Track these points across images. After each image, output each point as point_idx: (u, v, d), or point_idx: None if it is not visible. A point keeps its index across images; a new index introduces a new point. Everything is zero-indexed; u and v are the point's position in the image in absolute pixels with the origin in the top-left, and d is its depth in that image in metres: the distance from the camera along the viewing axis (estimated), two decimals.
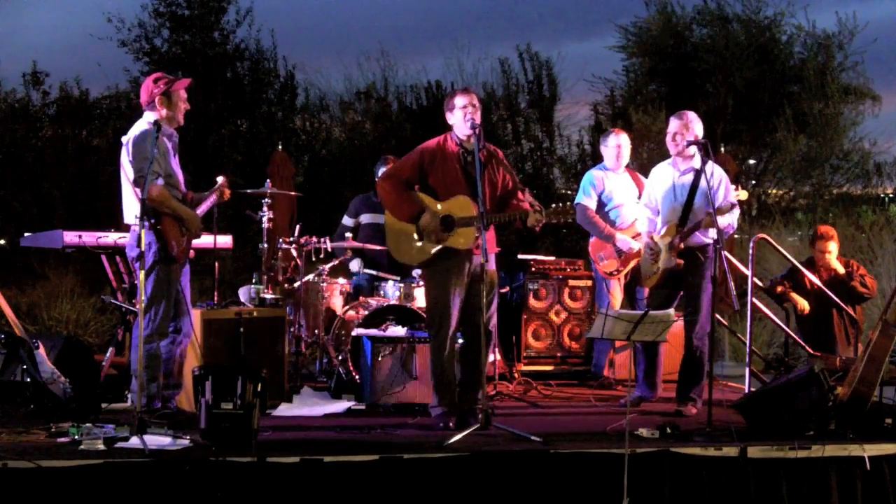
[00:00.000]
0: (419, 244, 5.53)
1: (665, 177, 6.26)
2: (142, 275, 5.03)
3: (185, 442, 4.76)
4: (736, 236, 10.32)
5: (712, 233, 6.04)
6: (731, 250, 8.48)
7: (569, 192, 12.75)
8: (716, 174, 6.07)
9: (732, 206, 5.95)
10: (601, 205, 7.07)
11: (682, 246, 6.05)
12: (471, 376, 5.53)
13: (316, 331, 7.11)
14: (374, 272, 7.39)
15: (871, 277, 7.37)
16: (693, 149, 6.11)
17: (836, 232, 7.42)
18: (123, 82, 13.64)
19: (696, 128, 6.11)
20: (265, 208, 6.84)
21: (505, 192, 5.62)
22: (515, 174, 5.78)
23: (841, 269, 7.19)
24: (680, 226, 6.06)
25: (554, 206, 5.52)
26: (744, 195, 6.45)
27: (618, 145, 7.14)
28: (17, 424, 5.14)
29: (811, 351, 6.95)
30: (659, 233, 6.19)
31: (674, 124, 6.15)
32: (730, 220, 6.03)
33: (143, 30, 13.88)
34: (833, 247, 7.25)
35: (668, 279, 6.12)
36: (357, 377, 6.53)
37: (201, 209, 5.74)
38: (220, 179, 5.97)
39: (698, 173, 6.04)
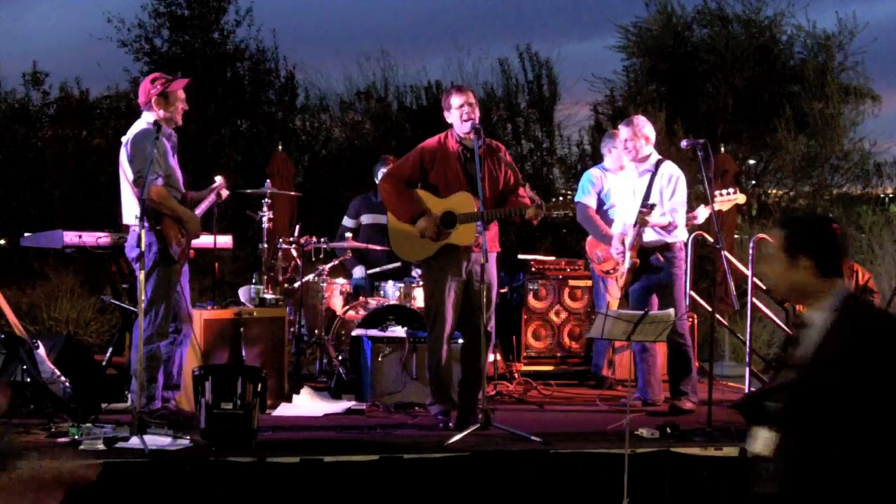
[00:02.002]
0: (421, 241, 5.53)
1: (628, 180, 6.46)
2: (142, 275, 5.03)
3: (185, 442, 4.76)
4: (736, 236, 10.32)
5: (681, 233, 6.20)
6: (731, 250, 8.48)
7: (569, 192, 12.74)
8: (665, 174, 6.26)
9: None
10: (600, 203, 7.08)
11: (636, 245, 6.21)
12: (471, 376, 5.53)
13: (316, 331, 7.11)
14: (377, 270, 7.40)
15: (877, 290, 7.29)
16: (648, 150, 6.31)
17: None
18: (123, 82, 13.63)
19: (647, 131, 6.32)
20: (265, 208, 6.84)
21: (506, 187, 5.63)
22: (518, 169, 5.80)
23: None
24: (634, 226, 6.19)
25: (554, 200, 5.56)
26: (741, 198, 6.48)
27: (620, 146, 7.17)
28: (17, 424, 5.14)
29: None
30: (626, 234, 6.32)
31: (624, 132, 6.36)
32: (669, 219, 6.19)
33: (143, 30, 13.87)
34: None
35: (637, 278, 6.27)
36: (357, 377, 6.53)
37: (200, 209, 5.74)
38: (217, 179, 5.97)
39: (653, 175, 6.18)
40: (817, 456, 2.71)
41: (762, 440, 2.83)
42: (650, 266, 6.22)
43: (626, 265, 6.25)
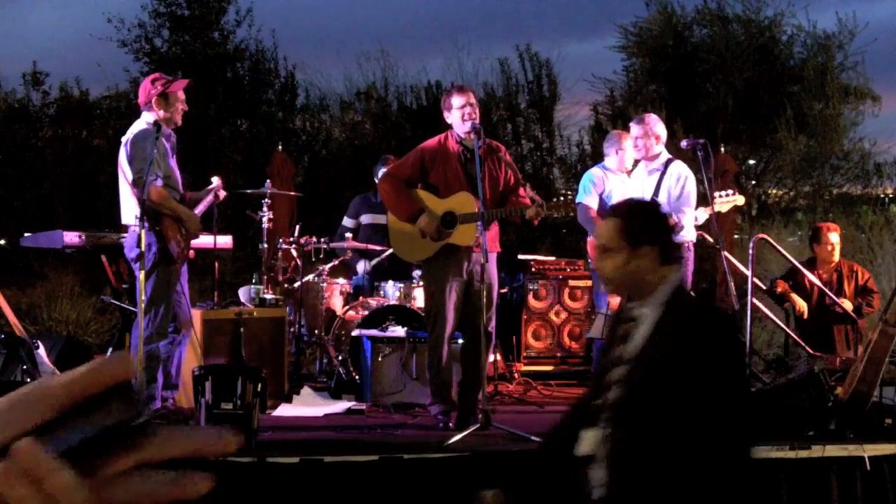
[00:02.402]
0: (421, 241, 5.53)
1: (637, 179, 6.43)
2: (141, 275, 5.03)
3: None
4: (736, 236, 10.34)
5: (690, 233, 6.16)
6: (731, 250, 8.48)
7: (569, 192, 12.76)
8: (674, 173, 6.21)
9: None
10: (602, 204, 7.02)
11: None
12: (471, 376, 5.53)
13: (316, 331, 7.11)
14: (381, 259, 7.38)
15: (876, 290, 7.28)
16: (658, 149, 6.26)
17: (837, 226, 7.40)
18: (123, 82, 13.67)
19: (658, 129, 6.27)
20: (265, 208, 6.84)
21: (507, 187, 5.62)
22: (517, 169, 5.79)
23: (849, 305, 7.05)
24: None
25: (555, 199, 5.55)
26: (740, 200, 6.47)
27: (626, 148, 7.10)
28: None
29: (811, 351, 6.95)
30: None
31: (635, 130, 6.31)
32: (674, 219, 6.04)
33: (143, 30, 13.89)
34: (837, 237, 7.20)
35: None
36: (357, 377, 6.53)
37: (198, 210, 5.75)
38: (214, 180, 5.98)
39: (662, 175, 6.17)
40: (643, 456, 2.60)
41: (588, 440, 2.73)
42: None
43: None
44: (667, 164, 6.25)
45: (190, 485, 0.66)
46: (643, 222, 2.79)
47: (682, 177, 6.21)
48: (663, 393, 2.60)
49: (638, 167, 6.50)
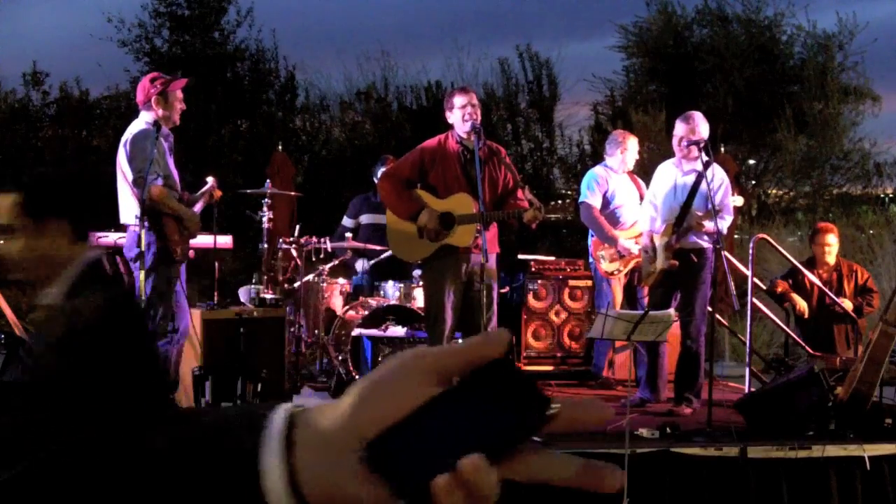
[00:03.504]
0: (419, 241, 5.53)
1: (668, 176, 6.23)
2: (141, 275, 5.03)
3: None
4: (736, 236, 10.34)
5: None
6: (731, 250, 8.48)
7: (569, 192, 12.77)
8: (717, 177, 6.05)
9: (717, 211, 5.90)
10: (605, 203, 6.97)
11: (676, 246, 6.04)
12: None
13: (316, 331, 7.12)
14: (381, 258, 7.38)
15: (876, 289, 7.29)
16: (698, 150, 6.10)
17: (834, 227, 7.40)
18: (123, 82, 13.69)
19: (703, 129, 6.06)
20: (265, 208, 6.85)
21: (505, 190, 5.62)
22: (517, 172, 5.78)
23: (849, 305, 7.05)
24: (676, 226, 6.05)
25: (552, 203, 5.54)
26: (739, 201, 6.42)
27: (629, 148, 7.03)
28: None
29: (811, 351, 6.95)
30: (658, 232, 6.18)
31: (680, 128, 6.10)
32: (720, 225, 5.92)
33: (143, 30, 13.92)
34: (833, 239, 7.20)
35: (665, 279, 6.10)
36: (357, 377, 6.53)
37: (195, 209, 5.75)
38: (209, 180, 5.98)
39: (700, 175, 6.02)
40: None
41: None
42: (681, 268, 6.03)
43: (660, 265, 6.09)
44: (706, 166, 5.98)
45: (605, 477, 0.63)
46: (48, 195, 2.43)
47: (724, 182, 6.06)
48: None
49: (666, 166, 6.28)
